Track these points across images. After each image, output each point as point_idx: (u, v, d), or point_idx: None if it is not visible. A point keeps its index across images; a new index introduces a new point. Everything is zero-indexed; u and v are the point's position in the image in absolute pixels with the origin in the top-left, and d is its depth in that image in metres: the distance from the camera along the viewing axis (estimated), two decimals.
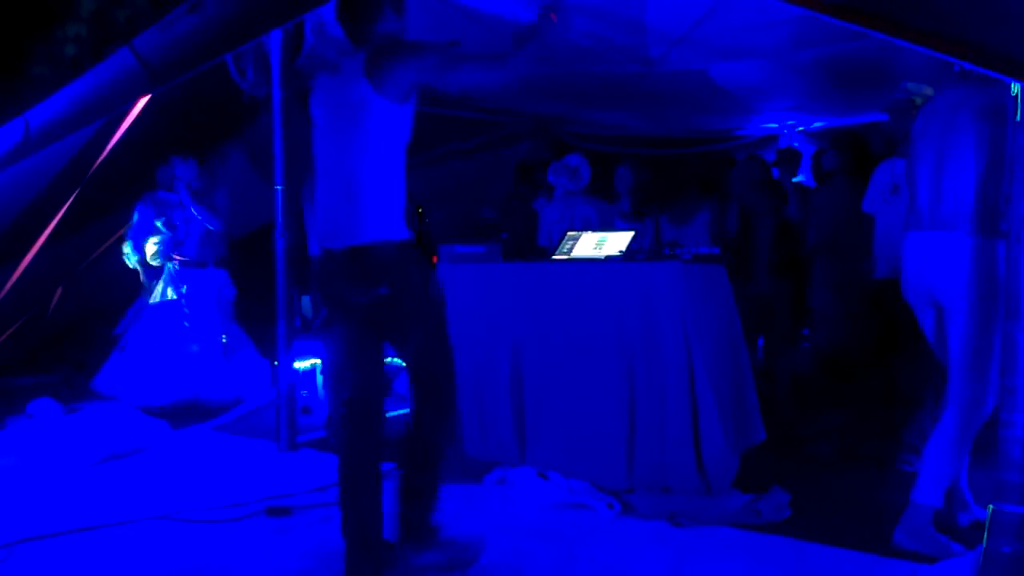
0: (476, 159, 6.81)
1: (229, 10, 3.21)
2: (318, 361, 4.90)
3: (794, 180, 5.52)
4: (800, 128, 6.83)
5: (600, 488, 3.11)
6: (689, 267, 3.10)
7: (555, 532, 2.85)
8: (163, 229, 4.96)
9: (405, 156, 2.35)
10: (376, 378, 2.41)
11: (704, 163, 6.43)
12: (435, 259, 3.73)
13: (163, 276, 5.03)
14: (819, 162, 5.24)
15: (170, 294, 5.00)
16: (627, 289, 3.08)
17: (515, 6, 3.59)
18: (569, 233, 3.65)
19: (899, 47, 1.93)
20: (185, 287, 4.99)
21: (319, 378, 4.94)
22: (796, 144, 6.41)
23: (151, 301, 5.01)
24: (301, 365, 4.76)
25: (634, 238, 3.37)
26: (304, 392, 4.82)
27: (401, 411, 4.61)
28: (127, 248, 5.15)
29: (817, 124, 6.72)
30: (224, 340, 4.96)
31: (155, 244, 5.06)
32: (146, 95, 3.69)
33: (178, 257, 4.99)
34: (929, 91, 3.19)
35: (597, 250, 3.41)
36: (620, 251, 3.30)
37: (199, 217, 4.95)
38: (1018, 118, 2.03)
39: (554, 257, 3.54)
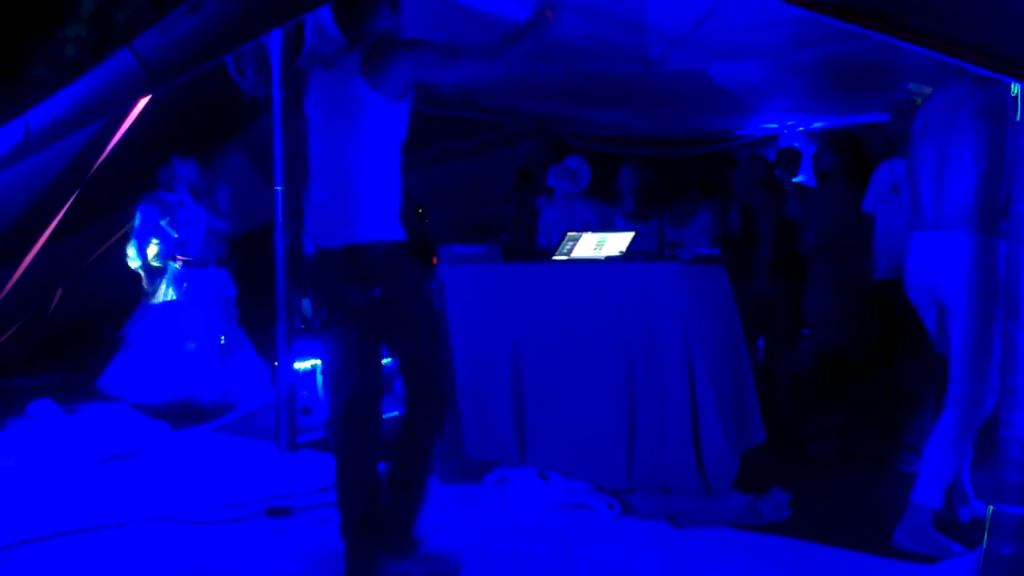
0: (476, 159, 6.81)
1: (229, 11, 3.21)
2: (318, 362, 4.90)
3: (794, 180, 5.52)
4: (800, 128, 6.83)
5: (600, 488, 3.11)
6: (689, 268, 3.10)
7: (555, 532, 2.85)
8: (168, 230, 4.95)
9: (401, 155, 2.34)
10: (374, 379, 2.40)
11: (704, 163, 6.43)
12: (435, 259, 3.73)
13: (166, 276, 5.03)
14: (819, 162, 5.24)
15: (171, 294, 5.00)
16: (627, 290, 3.08)
17: (513, 6, 3.59)
18: (569, 234, 3.65)
19: (899, 47, 1.93)
20: (185, 286, 4.99)
21: (319, 379, 4.94)
22: (796, 144, 6.41)
23: (155, 301, 5.00)
24: (301, 366, 4.76)
25: (634, 239, 3.37)
26: (304, 392, 4.82)
27: (400, 412, 4.63)
28: (131, 252, 5.14)
29: (817, 124, 6.71)
30: (222, 340, 4.95)
31: (156, 245, 5.06)
32: (146, 96, 3.70)
33: (181, 258, 4.98)
34: (930, 91, 3.19)
35: (597, 251, 3.41)
36: (620, 252, 3.30)
37: (202, 217, 4.94)
38: (1018, 118, 2.03)
39: (554, 258, 3.54)
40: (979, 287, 2.45)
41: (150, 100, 3.83)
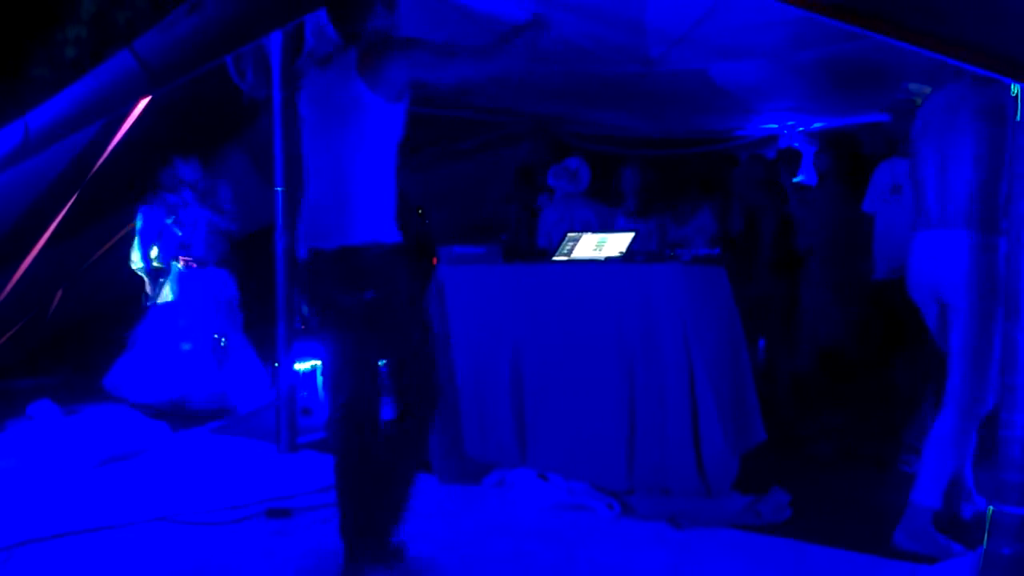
0: (476, 160, 6.81)
1: (229, 12, 3.21)
2: (318, 362, 4.90)
3: (794, 180, 5.52)
4: (800, 128, 6.83)
5: (600, 489, 3.10)
6: (689, 268, 3.10)
7: (555, 533, 2.85)
8: (175, 229, 4.95)
9: (398, 157, 2.32)
10: (372, 380, 2.39)
11: (704, 163, 6.43)
12: (435, 260, 3.73)
13: (170, 277, 5.02)
14: (819, 162, 5.24)
15: (171, 295, 4.99)
16: (627, 290, 3.08)
17: (510, 5, 3.59)
18: (569, 234, 3.65)
19: (899, 48, 1.93)
20: (184, 287, 4.98)
21: (319, 380, 4.94)
22: (796, 144, 6.41)
23: (159, 302, 5.00)
24: (301, 366, 4.76)
25: (634, 239, 3.36)
26: (304, 393, 4.82)
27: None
28: (135, 254, 5.14)
29: (817, 124, 6.71)
30: (219, 341, 4.93)
31: (156, 247, 5.07)
32: (146, 97, 3.70)
33: (184, 258, 4.98)
34: (929, 91, 3.20)
35: (597, 251, 3.41)
36: (620, 252, 3.30)
37: (205, 217, 4.93)
38: (1018, 118, 2.03)
39: (554, 258, 3.54)
40: (979, 285, 2.46)
41: (150, 101, 3.84)
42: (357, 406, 2.34)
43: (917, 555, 2.49)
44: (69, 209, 4.37)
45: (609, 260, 3.29)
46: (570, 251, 3.52)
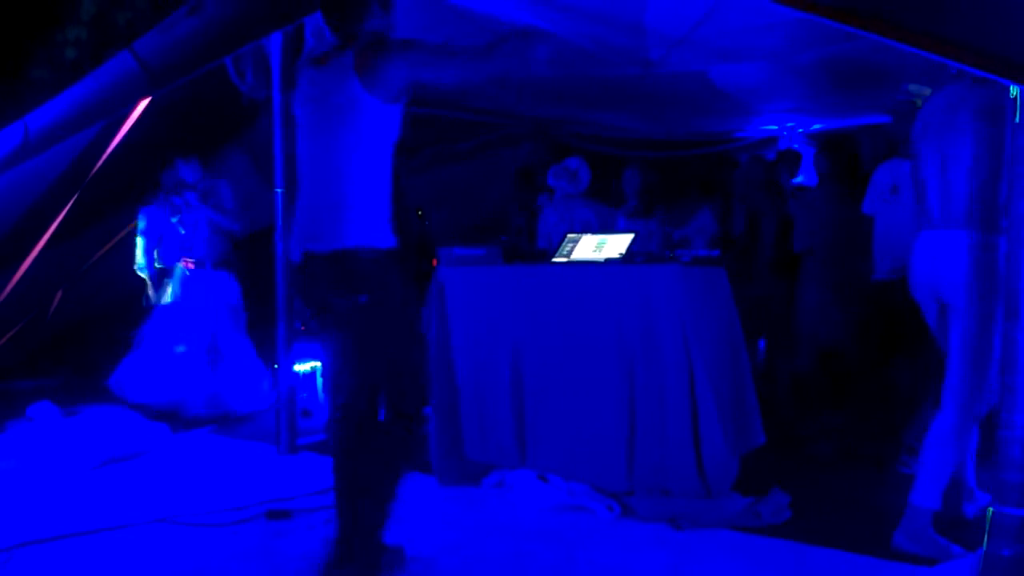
0: (476, 161, 6.81)
1: (229, 13, 3.22)
2: (318, 364, 4.89)
3: (794, 181, 5.53)
4: (800, 130, 6.83)
5: (600, 491, 3.10)
6: (689, 270, 3.10)
7: (555, 534, 2.85)
8: (179, 228, 4.94)
9: (395, 158, 2.30)
10: (370, 382, 2.38)
11: (704, 165, 6.44)
12: (435, 262, 3.73)
13: (173, 279, 5.02)
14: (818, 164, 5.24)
15: (170, 297, 4.99)
16: (627, 292, 3.08)
17: (509, 6, 3.59)
18: (569, 235, 3.65)
19: (898, 49, 1.93)
20: (187, 289, 4.98)
21: (319, 381, 4.94)
22: (796, 145, 6.41)
23: (163, 302, 5.00)
24: (301, 368, 4.76)
25: (634, 240, 3.36)
26: (304, 395, 4.82)
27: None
28: (139, 257, 5.14)
29: (817, 126, 6.72)
30: (215, 344, 4.92)
31: (157, 249, 5.08)
32: (146, 98, 3.70)
33: (187, 260, 4.97)
34: (929, 93, 3.20)
35: (597, 253, 3.41)
36: (620, 254, 3.30)
37: (208, 218, 4.92)
38: (1017, 120, 2.04)
39: (554, 260, 3.54)
40: (979, 285, 2.47)
41: (150, 102, 3.84)
42: (356, 407, 2.34)
43: (917, 557, 2.49)
44: (69, 210, 4.37)
45: (609, 261, 3.30)
46: (570, 252, 3.52)
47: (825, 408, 4.27)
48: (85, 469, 3.75)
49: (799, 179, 5.70)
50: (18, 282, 4.50)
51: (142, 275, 5.19)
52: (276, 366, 4.14)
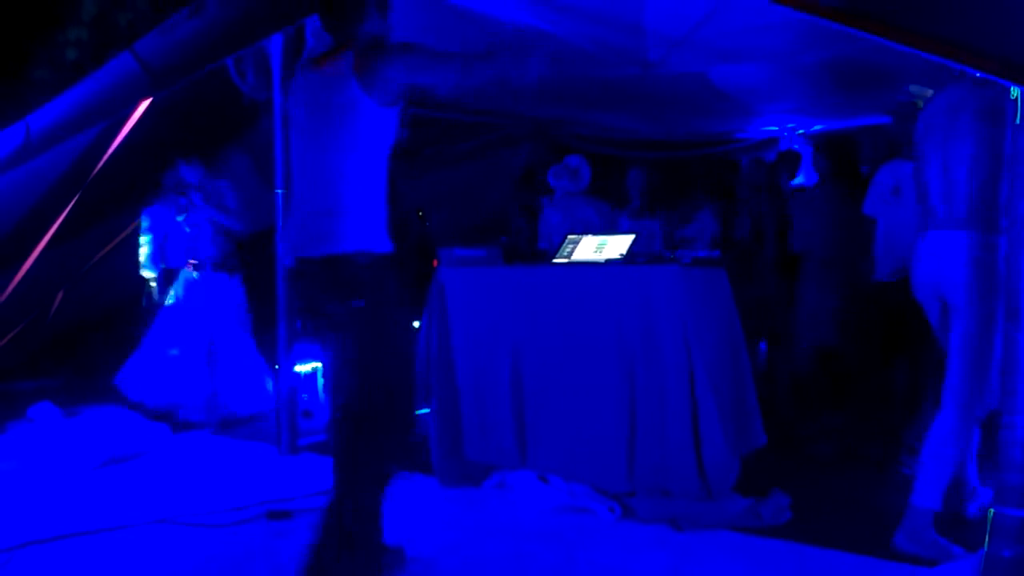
0: (476, 162, 6.81)
1: (230, 14, 3.22)
2: (319, 364, 4.89)
3: (795, 182, 5.53)
4: (801, 131, 6.84)
5: (601, 492, 3.10)
6: (689, 270, 3.10)
7: (555, 536, 2.85)
8: (184, 227, 4.94)
9: (391, 162, 2.26)
10: (370, 382, 2.36)
11: (705, 165, 6.44)
12: (435, 263, 3.73)
13: (178, 280, 5.01)
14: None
15: (172, 299, 5.00)
16: (627, 293, 3.08)
17: (509, 6, 3.59)
18: (570, 236, 3.65)
19: (899, 50, 1.93)
20: (192, 291, 4.97)
21: (320, 382, 4.94)
22: (796, 146, 6.41)
23: (167, 303, 5.00)
24: (302, 369, 4.76)
25: (635, 241, 3.37)
26: (305, 396, 4.82)
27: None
28: (145, 258, 5.13)
29: (817, 127, 6.72)
30: (218, 346, 4.91)
31: (156, 248, 5.07)
32: (147, 98, 3.71)
33: (192, 262, 4.97)
34: (931, 94, 3.21)
35: (597, 254, 3.41)
36: (620, 255, 3.30)
37: (211, 219, 4.91)
38: (1018, 121, 2.04)
39: (554, 261, 3.54)
40: (980, 285, 2.47)
41: (151, 103, 3.84)
42: (356, 407, 2.33)
43: (917, 557, 2.49)
44: (70, 211, 4.37)
45: (609, 262, 3.30)
46: (570, 253, 3.52)
47: (825, 409, 4.26)
48: (86, 469, 3.75)
49: (799, 179, 5.71)
50: (19, 282, 4.50)
51: (148, 275, 5.19)
52: (277, 367, 4.14)
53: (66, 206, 4.35)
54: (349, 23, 2.23)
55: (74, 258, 5.13)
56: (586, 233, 3.65)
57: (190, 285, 4.94)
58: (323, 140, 2.20)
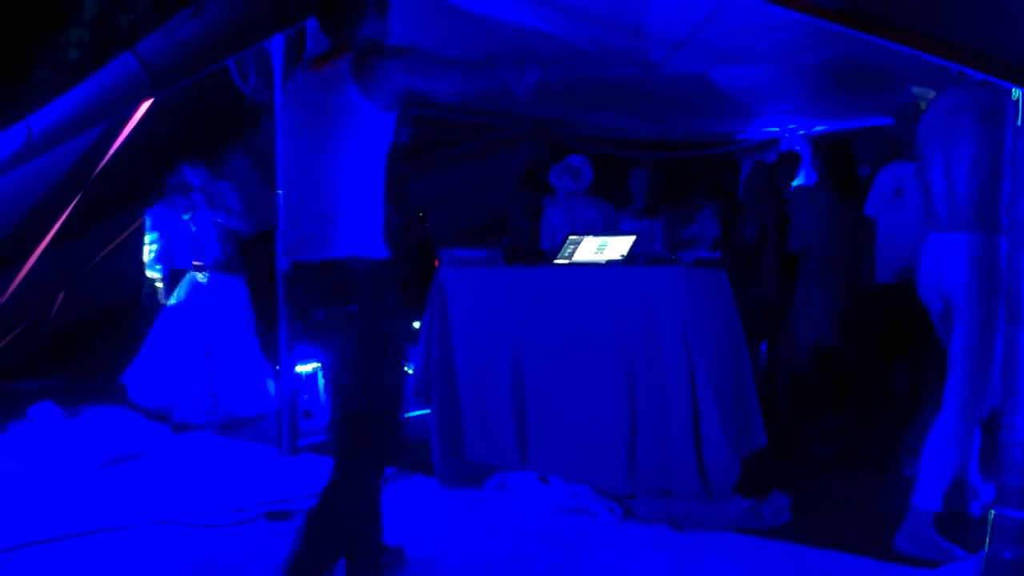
0: (477, 163, 6.82)
1: (232, 15, 3.22)
2: (319, 365, 4.89)
3: (796, 183, 5.53)
4: (802, 132, 6.84)
5: (602, 492, 3.10)
6: (690, 271, 3.10)
7: (556, 536, 2.85)
8: (191, 226, 4.94)
9: (387, 167, 2.24)
10: (370, 383, 2.35)
11: (706, 166, 6.44)
12: (436, 263, 3.73)
13: (183, 282, 5.01)
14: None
15: (174, 300, 5.00)
16: (628, 293, 3.08)
17: (509, 6, 3.59)
18: (571, 237, 3.65)
19: (900, 51, 1.93)
20: (195, 293, 4.98)
21: (320, 382, 4.94)
22: (797, 147, 6.41)
23: (171, 304, 5.00)
24: (303, 369, 4.76)
25: (635, 243, 3.37)
26: (306, 396, 4.82)
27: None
28: (150, 259, 5.13)
29: (819, 128, 6.72)
30: (221, 348, 4.91)
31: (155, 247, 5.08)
32: (149, 99, 3.71)
33: (198, 263, 4.97)
34: (934, 95, 3.21)
35: (598, 255, 3.41)
36: (621, 255, 3.30)
37: (215, 220, 4.91)
38: (1019, 122, 2.04)
39: (555, 261, 3.55)
40: (981, 286, 2.47)
41: (153, 103, 3.85)
42: (356, 408, 2.33)
43: (918, 559, 2.49)
44: (72, 211, 4.37)
45: (610, 263, 3.30)
46: (571, 254, 3.52)
47: (826, 410, 4.27)
48: (87, 470, 3.75)
49: (799, 180, 5.71)
50: (20, 283, 4.50)
51: (154, 275, 5.19)
52: (277, 368, 4.14)
53: (67, 206, 4.35)
54: (347, 26, 2.21)
55: (75, 258, 5.13)
56: (588, 233, 3.65)
57: (194, 286, 4.94)
58: (320, 142, 2.17)
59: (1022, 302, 2.03)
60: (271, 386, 4.95)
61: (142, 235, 5.25)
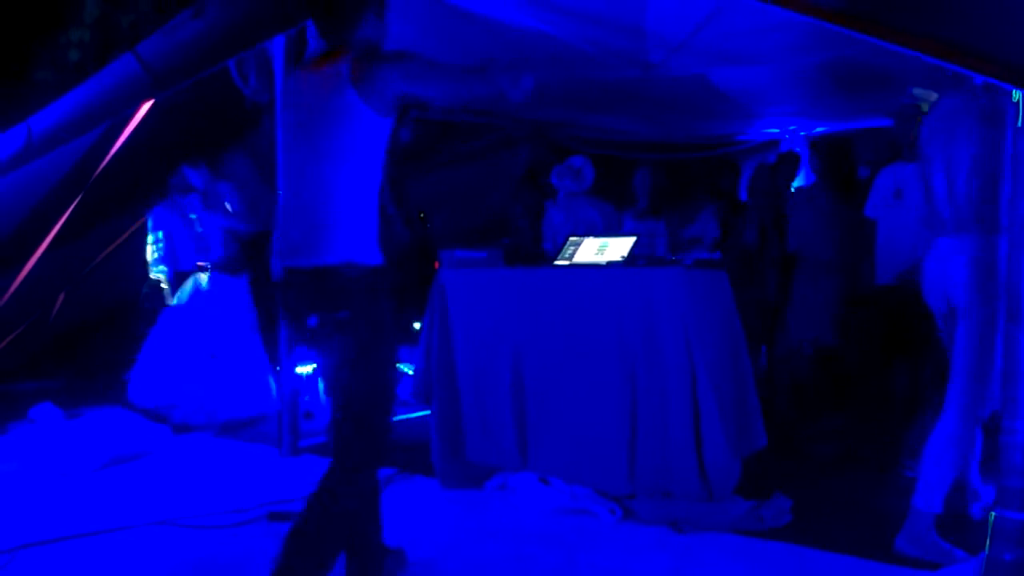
0: (477, 164, 6.82)
1: (232, 16, 3.22)
2: (317, 367, 4.89)
3: (794, 183, 5.53)
4: (802, 133, 6.83)
5: (602, 494, 3.10)
6: (691, 272, 3.10)
7: (557, 538, 2.85)
8: (196, 226, 4.94)
9: (382, 174, 2.22)
10: (370, 383, 2.35)
11: (706, 167, 6.44)
12: (436, 264, 3.73)
13: (187, 283, 5.01)
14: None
15: (175, 300, 5.00)
16: (629, 295, 3.08)
17: (509, 7, 3.59)
18: (571, 238, 3.65)
19: (901, 53, 1.93)
20: (198, 294, 4.97)
21: (320, 383, 4.94)
22: (796, 148, 6.41)
23: (174, 305, 5.00)
24: (304, 370, 4.76)
25: (636, 244, 3.37)
26: (306, 397, 4.82)
27: (404, 416, 4.63)
28: (154, 260, 5.13)
29: (819, 129, 6.71)
30: (224, 349, 4.91)
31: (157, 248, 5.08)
32: (149, 100, 3.71)
33: (201, 264, 4.97)
34: (935, 97, 3.21)
35: (599, 256, 3.41)
36: (622, 257, 3.30)
37: (217, 221, 4.91)
38: (1019, 124, 2.04)
39: (556, 263, 3.55)
40: (982, 287, 2.47)
41: (153, 104, 3.85)
42: (356, 409, 2.32)
43: (919, 561, 2.49)
44: (72, 212, 4.38)
45: (611, 264, 3.30)
46: (572, 255, 3.53)
47: (826, 411, 4.27)
48: (87, 471, 3.75)
49: (799, 181, 5.71)
50: (21, 284, 4.50)
51: (159, 276, 5.19)
52: (278, 368, 4.14)
53: (68, 207, 4.35)
54: (345, 27, 2.18)
55: (76, 259, 5.13)
56: (589, 234, 3.65)
57: (197, 287, 4.95)
58: (317, 144, 2.15)
59: (1022, 302, 2.03)
60: (273, 387, 4.95)
61: (143, 236, 5.25)
